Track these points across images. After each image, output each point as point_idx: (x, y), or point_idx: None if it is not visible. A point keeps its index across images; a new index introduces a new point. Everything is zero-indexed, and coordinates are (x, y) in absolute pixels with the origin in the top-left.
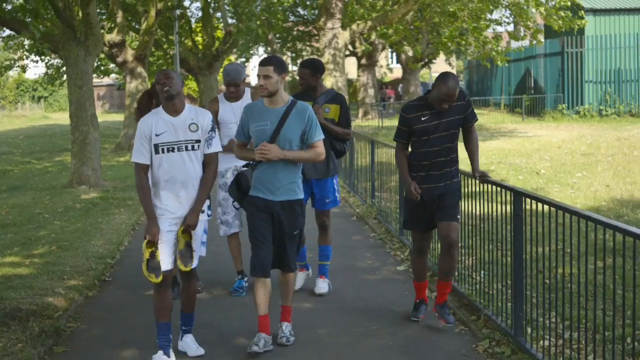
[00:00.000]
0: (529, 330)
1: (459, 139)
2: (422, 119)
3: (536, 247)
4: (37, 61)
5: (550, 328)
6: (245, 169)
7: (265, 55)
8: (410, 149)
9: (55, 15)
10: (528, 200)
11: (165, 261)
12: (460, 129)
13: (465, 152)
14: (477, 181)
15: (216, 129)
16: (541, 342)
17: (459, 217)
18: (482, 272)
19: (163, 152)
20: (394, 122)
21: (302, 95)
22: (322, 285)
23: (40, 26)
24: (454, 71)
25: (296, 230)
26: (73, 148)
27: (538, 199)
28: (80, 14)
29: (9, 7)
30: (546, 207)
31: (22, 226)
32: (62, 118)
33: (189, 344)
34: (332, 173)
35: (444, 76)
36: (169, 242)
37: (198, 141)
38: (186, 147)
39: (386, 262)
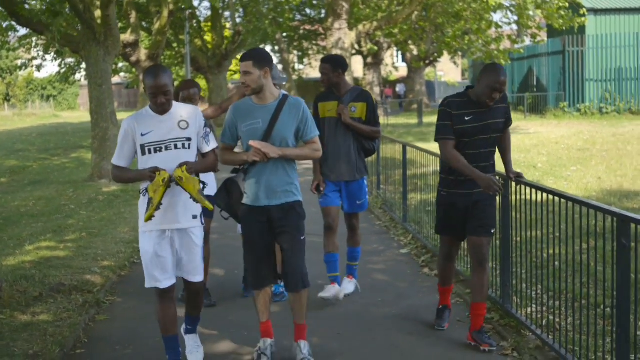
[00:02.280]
0: (515, 299)
1: None
2: (466, 118)
3: (529, 231)
4: (54, 59)
5: (535, 298)
6: (234, 174)
7: (280, 55)
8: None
9: (75, 16)
10: (522, 187)
11: (166, 275)
12: None
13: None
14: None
15: (210, 126)
16: (526, 309)
17: (493, 230)
18: None
19: (150, 152)
20: (397, 120)
21: (327, 94)
22: (349, 286)
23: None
24: (459, 70)
25: (303, 235)
26: (93, 144)
27: (530, 185)
28: (99, 15)
29: (33, 2)
30: (539, 195)
31: (51, 216)
32: (72, 116)
33: (190, 346)
34: (364, 173)
35: (493, 66)
36: (166, 257)
37: (189, 139)
38: (175, 145)
39: (390, 246)
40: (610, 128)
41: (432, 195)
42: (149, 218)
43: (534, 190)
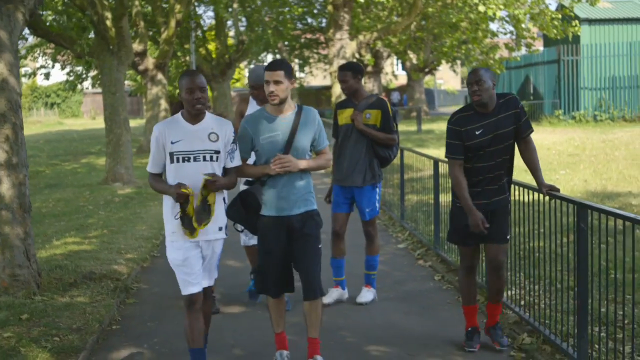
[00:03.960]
0: None
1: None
2: (477, 132)
3: (517, 227)
4: (62, 68)
5: (515, 283)
6: (248, 186)
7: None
8: (466, 165)
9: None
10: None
11: (197, 280)
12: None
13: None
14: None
15: (237, 142)
16: (508, 292)
17: (509, 237)
18: None
19: (178, 161)
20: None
21: (346, 102)
22: (367, 295)
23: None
24: (458, 78)
25: (320, 243)
26: (107, 149)
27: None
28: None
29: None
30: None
31: (72, 215)
32: (76, 124)
33: None
34: (375, 180)
35: (470, 73)
36: (195, 264)
37: (217, 152)
38: (204, 157)
39: (389, 242)
40: (601, 135)
41: (428, 197)
42: (204, 226)
43: (520, 190)
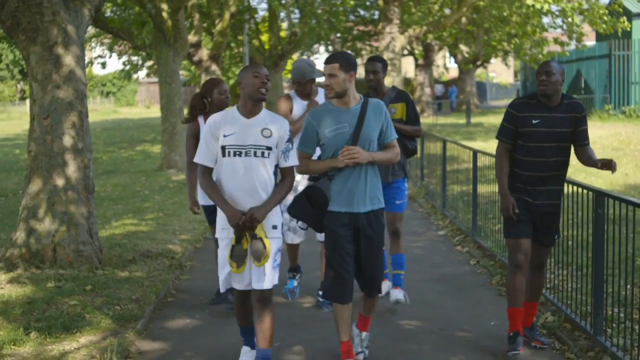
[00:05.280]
0: None
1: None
2: (534, 121)
3: None
4: (119, 57)
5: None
6: (314, 182)
7: (328, 54)
8: (517, 155)
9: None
10: None
11: (244, 284)
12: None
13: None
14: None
15: (293, 141)
16: None
17: (557, 238)
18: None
19: (229, 155)
20: (446, 120)
21: (369, 96)
22: (398, 294)
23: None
24: (511, 71)
25: (383, 244)
26: (163, 137)
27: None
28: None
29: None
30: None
31: (129, 199)
32: (131, 112)
33: None
34: (398, 176)
35: (543, 63)
36: (246, 268)
37: (269, 148)
38: (255, 152)
39: (429, 228)
40: None
41: (468, 187)
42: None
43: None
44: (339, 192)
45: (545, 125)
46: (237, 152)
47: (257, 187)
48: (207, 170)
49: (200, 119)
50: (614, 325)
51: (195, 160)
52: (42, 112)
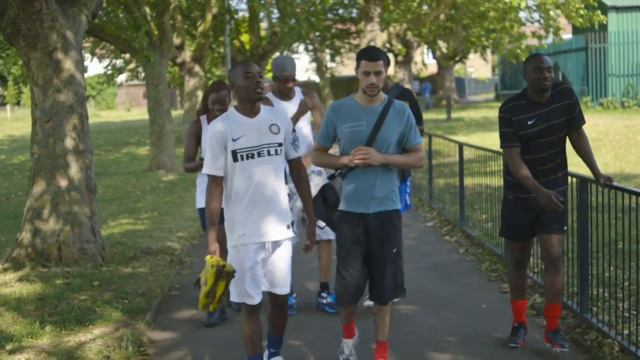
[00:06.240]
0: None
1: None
2: (529, 123)
3: None
4: (100, 61)
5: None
6: (330, 180)
7: (313, 53)
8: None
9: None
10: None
11: (258, 291)
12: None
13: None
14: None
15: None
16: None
17: (565, 227)
18: (490, 224)
19: (242, 159)
20: (426, 116)
21: None
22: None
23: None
24: (489, 66)
25: (396, 247)
26: (151, 138)
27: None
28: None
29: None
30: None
31: (122, 200)
32: (112, 115)
33: None
34: (406, 175)
35: (534, 55)
36: (256, 273)
37: (280, 145)
38: (268, 151)
39: (418, 220)
40: (626, 121)
41: (454, 180)
42: (203, 307)
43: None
44: (349, 191)
45: (540, 122)
46: (250, 155)
47: (276, 190)
48: (217, 181)
49: (203, 119)
50: (599, 303)
51: (204, 171)
52: (44, 116)
